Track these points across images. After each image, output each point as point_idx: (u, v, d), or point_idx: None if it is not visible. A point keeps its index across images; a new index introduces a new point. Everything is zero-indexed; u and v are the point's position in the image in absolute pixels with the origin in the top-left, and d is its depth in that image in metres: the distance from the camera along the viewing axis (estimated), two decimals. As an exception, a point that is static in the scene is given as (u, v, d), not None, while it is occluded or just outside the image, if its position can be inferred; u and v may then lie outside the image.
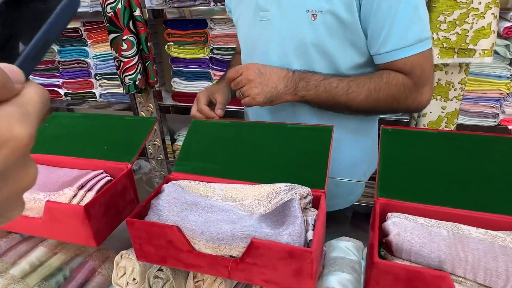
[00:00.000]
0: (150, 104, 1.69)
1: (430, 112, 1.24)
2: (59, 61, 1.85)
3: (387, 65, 0.81)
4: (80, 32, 1.73)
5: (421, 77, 0.80)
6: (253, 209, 0.59)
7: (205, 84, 1.65)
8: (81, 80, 1.86)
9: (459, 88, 1.19)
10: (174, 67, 1.68)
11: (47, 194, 0.68)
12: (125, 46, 1.46)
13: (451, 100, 1.21)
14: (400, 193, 0.58)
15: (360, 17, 0.78)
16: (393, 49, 0.78)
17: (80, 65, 1.82)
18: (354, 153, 0.97)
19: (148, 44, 1.50)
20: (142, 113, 1.72)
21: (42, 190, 0.71)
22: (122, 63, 1.50)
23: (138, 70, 1.52)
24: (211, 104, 0.95)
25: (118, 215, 0.69)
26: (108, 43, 1.72)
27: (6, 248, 0.83)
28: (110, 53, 1.73)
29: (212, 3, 1.46)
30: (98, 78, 1.82)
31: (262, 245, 0.49)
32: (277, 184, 0.61)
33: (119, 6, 1.40)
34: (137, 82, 1.53)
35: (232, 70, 0.81)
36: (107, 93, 1.84)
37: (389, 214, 0.55)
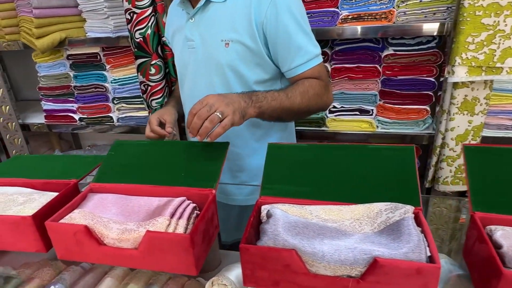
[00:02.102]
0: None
1: (458, 127, 1.31)
2: (74, 86, 1.83)
3: (297, 77, 1.03)
4: (99, 57, 1.73)
5: (326, 80, 1.06)
6: (356, 229, 0.62)
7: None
8: (97, 105, 1.84)
9: (484, 103, 1.27)
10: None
11: (137, 224, 0.67)
12: (153, 70, 1.47)
13: (476, 115, 1.28)
14: (493, 207, 0.62)
15: (269, 45, 1.01)
16: (301, 63, 1.01)
17: (97, 89, 1.80)
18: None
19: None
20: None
21: (127, 220, 0.70)
22: (149, 87, 1.51)
23: (165, 94, 1.53)
24: (162, 125, 1.12)
25: (209, 241, 0.70)
26: (128, 68, 1.73)
27: (72, 281, 0.81)
28: (129, 77, 1.73)
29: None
30: (116, 102, 1.81)
31: (388, 263, 0.52)
32: (373, 204, 0.64)
33: (149, 31, 1.41)
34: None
35: (194, 105, 0.82)
36: (125, 116, 1.83)
37: (490, 227, 0.58)
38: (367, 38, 1.41)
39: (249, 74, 1.05)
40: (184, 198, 0.73)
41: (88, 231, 0.65)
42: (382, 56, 1.42)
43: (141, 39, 1.43)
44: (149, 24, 1.41)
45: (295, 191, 0.70)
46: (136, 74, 1.63)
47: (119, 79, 1.75)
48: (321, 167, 0.72)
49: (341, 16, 1.38)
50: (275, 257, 0.56)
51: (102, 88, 1.79)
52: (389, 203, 0.63)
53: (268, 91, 0.97)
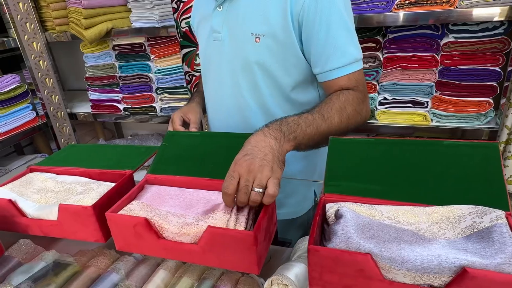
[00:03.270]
0: (215, 118, 1.67)
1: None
2: (119, 76, 1.86)
3: (331, 82, 0.88)
4: (143, 47, 1.74)
5: (364, 91, 0.89)
6: (435, 233, 0.56)
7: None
8: (141, 95, 1.86)
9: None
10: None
11: (197, 218, 0.66)
12: (198, 60, 1.45)
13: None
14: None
15: (302, 40, 0.87)
16: (335, 68, 0.86)
17: (141, 79, 1.82)
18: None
19: (220, 57, 1.49)
20: (206, 125, 1.71)
21: (185, 213, 0.69)
22: (194, 78, 1.49)
23: (209, 84, 1.51)
24: (185, 124, 1.03)
25: (269, 239, 0.67)
26: (172, 58, 1.72)
27: (126, 271, 0.81)
28: (173, 67, 1.73)
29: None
30: (159, 92, 1.82)
31: (481, 275, 0.46)
32: (454, 206, 0.58)
33: (195, 20, 1.39)
34: (207, 96, 1.51)
35: (225, 182, 0.65)
36: (168, 107, 1.83)
37: None
38: (425, 24, 1.31)
39: (280, 75, 0.92)
40: (243, 192, 0.70)
41: (148, 223, 0.64)
42: (441, 44, 1.32)
43: (187, 28, 1.41)
44: (195, 13, 1.38)
45: (362, 189, 0.65)
46: (179, 64, 1.63)
47: (162, 69, 1.75)
48: (390, 164, 0.67)
49: (397, 1, 1.29)
50: (348, 260, 0.51)
51: (146, 78, 1.80)
52: (473, 206, 0.56)
53: (300, 115, 0.79)
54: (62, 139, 2.05)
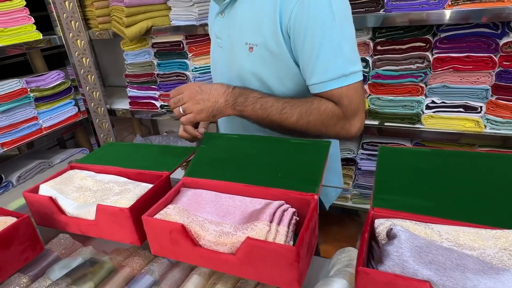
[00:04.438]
0: (251, 117, 1.64)
1: None
2: (157, 74, 1.87)
3: (318, 95, 0.86)
4: (182, 45, 1.74)
5: (349, 108, 0.83)
6: (505, 261, 0.49)
7: (310, 96, 1.58)
8: (178, 93, 1.86)
9: None
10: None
11: (234, 227, 0.62)
12: (236, 59, 1.42)
13: None
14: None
15: (292, 50, 0.85)
16: (318, 82, 0.83)
17: (179, 77, 1.82)
18: None
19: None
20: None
21: (222, 221, 0.66)
22: (231, 77, 1.47)
23: (246, 83, 1.48)
24: (195, 124, 1.05)
25: (311, 253, 0.62)
26: (209, 56, 1.71)
27: (160, 273, 0.80)
28: (209, 66, 1.71)
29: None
30: (195, 90, 1.81)
31: None
32: (527, 230, 0.51)
33: (234, 18, 1.36)
34: (244, 96, 1.48)
35: (174, 89, 0.84)
36: (204, 105, 1.83)
37: None
38: (482, 23, 1.21)
39: (275, 85, 0.90)
40: (283, 201, 0.66)
41: (184, 230, 0.61)
42: (500, 44, 1.20)
43: (226, 26, 1.38)
44: (235, 10, 1.35)
45: (415, 205, 0.59)
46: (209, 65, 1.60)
47: (200, 67, 1.75)
48: (448, 178, 0.60)
49: (452, -3, 1.19)
50: (403, 287, 0.46)
51: (183, 76, 1.81)
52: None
53: (264, 96, 0.85)
54: (102, 134, 2.11)
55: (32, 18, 1.74)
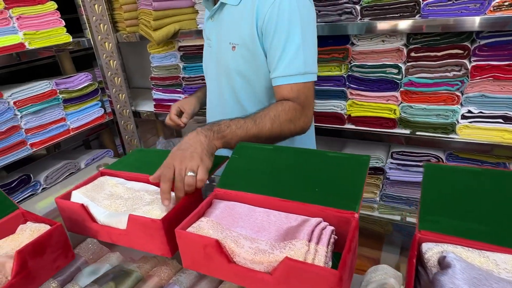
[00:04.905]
0: (276, 123, 1.62)
1: None
2: (183, 77, 1.87)
3: (277, 89, 0.98)
4: (208, 49, 1.73)
5: (306, 102, 0.97)
6: None
7: (338, 103, 1.54)
8: (203, 96, 1.86)
9: None
10: (304, 84, 1.59)
11: (271, 245, 0.60)
12: (264, 64, 1.40)
13: None
14: None
15: (264, 48, 0.98)
16: (280, 75, 0.96)
17: (203, 81, 1.81)
18: None
19: (287, 62, 1.43)
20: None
21: (257, 236, 0.63)
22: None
23: (273, 89, 1.46)
24: (181, 114, 1.21)
25: (351, 275, 0.59)
26: (235, 60, 1.70)
27: (188, 284, 0.78)
28: (236, 70, 1.70)
29: (359, 18, 1.35)
30: (220, 94, 1.80)
31: None
32: None
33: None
34: (271, 101, 1.46)
35: (163, 171, 0.76)
36: (229, 109, 1.81)
37: None
38: (527, 29, 1.14)
39: (255, 80, 1.03)
40: (321, 219, 0.63)
41: (219, 246, 0.59)
42: (546, 53, 1.14)
43: (255, 31, 1.36)
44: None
45: (467, 229, 0.55)
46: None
47: (225, 71, 1.73)
48: (503, 200, 0.56)
49: (495, 2, 1.13)
50: (459, 323, 0.42)
51: (209, 80, 1.80)
52: None
53: (233, 119, 0.91)
54: (126, 136, 2.13)
55: (63, 21, 1.77)
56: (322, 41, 1.47)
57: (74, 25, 1.92)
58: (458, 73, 1.28)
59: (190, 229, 0.65)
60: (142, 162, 0.92)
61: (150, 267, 0.83)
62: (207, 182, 0.85)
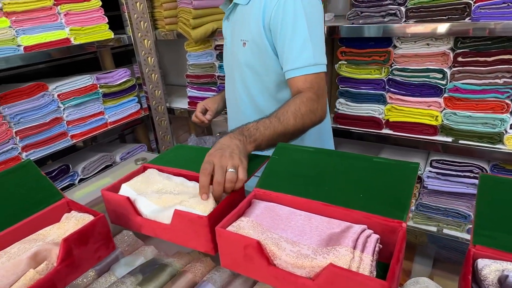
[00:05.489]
0: (311, 125, 1.60)
1: None
2: (218, 76, 1.89)
3: (291, 81, 1.01)
4: (245, 48, 1.73)
5: (319, 91, 0.99)
6: None
7: (376, 107, 1.49)
8: (237, 95, 1.86)
9: None
10: (341, 87, 1.56)
11: (313, 250, 0.58)
12: (302, 65, 1.38)
13: None
14: None
15: (272, 44, 1.03)
16: (292, 68, 0.99)
17: (238, 80, 1.82)
18: None
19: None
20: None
21: (298, 240, 0.62)
22: (295, 83, 1.43)
23: (310, 90, 1.43)
24: (206, 112, 1.30)
25: (397, 286, 0.57)
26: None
27: (221, 283, 0.78)
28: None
29: (403, 20, 1.30)
30: (255, 94, 1.80)
31: None
32: None
33: (303, 23, 1.32)
34: (307, 103, 1.44)
35: (203, 166, 0.76)
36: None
37: None
38: None
39: (265, 75, 1.08)
40: (365, 226, 0.61)
41: (260, 247, 0.58)
42: None
43: (294, 31, 1.35)
44: (305, 15, 1.32)
45: (528, 247, 0.51)
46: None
47: (261, 71, 1.73)
48: None
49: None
50: None
51: (244, 80, 1.80)
52: None
53: (259, 121, 0.92)
54: (160, 132, 2.17)
55: (106, 18, 1.83)
56: (363, 42, 1.44)
57: (115, 22, 1.97)
58: (509, 80, 1.21)
59: (230, 228, 0.64)
60: (183, 159, 0.93)
61: (184, 263, 0.83)
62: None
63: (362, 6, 1.36)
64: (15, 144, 1.57)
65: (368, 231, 0.61)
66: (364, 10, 1.36)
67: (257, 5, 1.02)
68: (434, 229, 1.55)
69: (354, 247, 0.57)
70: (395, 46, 1.40)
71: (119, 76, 1.96)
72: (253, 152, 0.89)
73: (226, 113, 1.34)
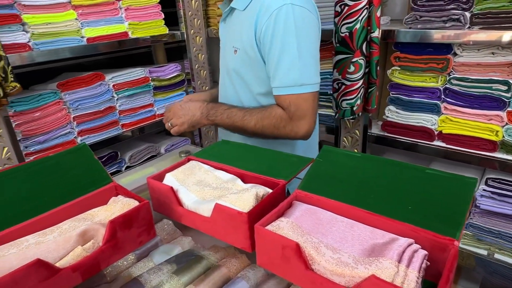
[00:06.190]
0: (356, 131, 1.55)
1: None
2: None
3: (275, 97, 1.04)
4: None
5: (296, 113, 1.00)
6: None
7: (429, 117, 1.41)
8: (282, 96, 1.85)
9: None
10: (393, 94, 1.49)
11: (354, 259, 0.56)
12: (352, 68, 1.35)
13: None
14: None
15: (262, 57, 1.03)
16: (276, 86, 1.01)
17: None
18: None
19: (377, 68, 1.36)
20: (345, 138, 1.60)
21: (339, 247, 0.60)
22: (343, 86, 1.40)
23: (359, 95, 1.39)
24: None
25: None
26: (326, 62, 1.66)
27: (255, 281, 0.77)
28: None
29: (467, 26, 1.22)
30: (300, 96, 1.78)
31: None
32: None
33: (357, 26, 1.29)
34: (354, 108, 1.40)
35: (165, 109, 1.05)
36: (307, 112, 1.78)
37: None
38: None
39: (254, 84, 1.10)
40: (412, 240, 0.58)
41: (299, 249, 0.57)
42: None
43: (347, 33, 1.32)
44: (360, 17, 1.28)
45: None
46: (327, 70, 1.55)
47: (309, 73, 1.70)
48: None
49: None
50: None
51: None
52: None
53: (232, 108, 1.08)
54: (204, 128, 2.22)
55: (163, 13, 1.90)
56: (420, 48, 1.37)
57: (171, 19, 2.05)
58: None
59: (269, 227, 0.64)
60: (227, 154, 0.94)
61: (219, 257, 0.84)
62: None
63: (422, 10, 1.30)
64: (72, 128, 1.68)
65: (415, 246, 0.57)
66: (424, 14, 1.29)
67: (252, 14, 1.01)
68: (484, 252, 1.44)
69: (399, 261, 0.54)
70: (455, 54, 1.31)
71: (170, 71, 2.02)
72: (297, 154, 0.88)
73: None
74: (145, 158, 2.03)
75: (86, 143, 0.90)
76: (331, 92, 1.48)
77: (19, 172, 0.77)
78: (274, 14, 0.94)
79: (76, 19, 1.60)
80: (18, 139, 1.46)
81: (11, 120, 1.44)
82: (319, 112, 1.74)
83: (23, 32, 1.44)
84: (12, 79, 1.31)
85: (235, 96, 1.17)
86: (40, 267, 0.56)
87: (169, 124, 1.11)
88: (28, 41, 1.46)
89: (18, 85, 1.34)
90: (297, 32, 0.95)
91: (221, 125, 1.09)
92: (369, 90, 1.39)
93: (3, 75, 1.28)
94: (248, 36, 1.02)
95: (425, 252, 0.56)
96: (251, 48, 1.03)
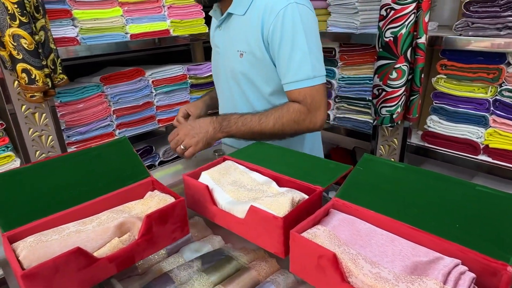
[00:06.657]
0: (394, 140, 1.49)
1: None
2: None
3: (288, 93, 1.07)
4: (334, 52, 1.69)
5: (312, 104, 1.05)
6: None
7: (476, 129, 1.34)
8: (318, 100, 1.82)
9: None
10: (436, 103, 1.43)
11: (394, 275, 0.53)
12: (395, 74, 1.30)
13: None
14: None
15: (272, 58, 1.06)
16: (289, 82, 1.05)
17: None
18: None
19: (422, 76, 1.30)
20: (381, 146, 1.55)
21: (378, 260, 0.57)
22: (384, 93, 1.35)
23: (399, 103, 1.34)
24: (188, 116, 1.29)
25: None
26: (360, 67, 1.62)
27: (286, 287, 0.76)
28: (359, 77, 1.62)
29: (524, 35, 1.15)
30: (337, 100, 1.74)
31: None
32: None
33: (403, 31, 1.24)
34: (394, 116, 1.35)
35: (170, 134, 1.06)
36: (343, 117, 1.75)
37: None
38: None
39: (262, 84, 1.11)
40: (459, 261, 0.54)
41: (335, 260, 0.55)
42: None
43: (391, 38, 1.27)
44: (406, 22, 1.23)
45: None
46: (367, 75, 1.51)
47: (347, 77, 1.67)
48: None
49: None
50: None
51: (328, 84, 1.75)
52: None
53: (242, 115, 1.06)
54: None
55: (204, 13, 1.93)
56: (469, 57, 1.30)
57: (210, 18, 2.07)
58: None
59: (304, 234, 0.62)
60: (263, 156, 0.93)
61: (249, 259, 0.83)
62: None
63: (475, 16, 1.23)
64: (111, 121, 1.74)
65: (462, 267, 0.54)
66: (476, 21, 1.23)
67: (255, 16, 1.03)
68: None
69: (445, 282, 0.51)
70: (508, 64, 1.23)
71: (208, 69, 2.05)
72: (333, 161, 0.86)
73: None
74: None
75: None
76: (370, 98, 1.44)
77: (63, 162, 0.79)
78: (281, 13, 0.98)
79: (121, 15, 1.65)
80: (62, 128, 1.53)
81: (57, 110, 1.51)
82: (356, 117, 1.70)
83: (72, 27, 1.51)
84: (60, 71, 1.37)
85: (243, 98, 1.17)
86: (80, 255, 0.57)
87: (182, 147, 1.03)
88: (77, 36, 1.52)
89: (66, 77, 1.40)
90: (304, 29, 0.99)
91: (237, 134, 1.07)
92: (411, 98, 1.34)
93: (53, 67, 1.34)
94: (254, 38, 1.05)
95: (473, 275, 0.53)
96: (259, 49, 1.05)
